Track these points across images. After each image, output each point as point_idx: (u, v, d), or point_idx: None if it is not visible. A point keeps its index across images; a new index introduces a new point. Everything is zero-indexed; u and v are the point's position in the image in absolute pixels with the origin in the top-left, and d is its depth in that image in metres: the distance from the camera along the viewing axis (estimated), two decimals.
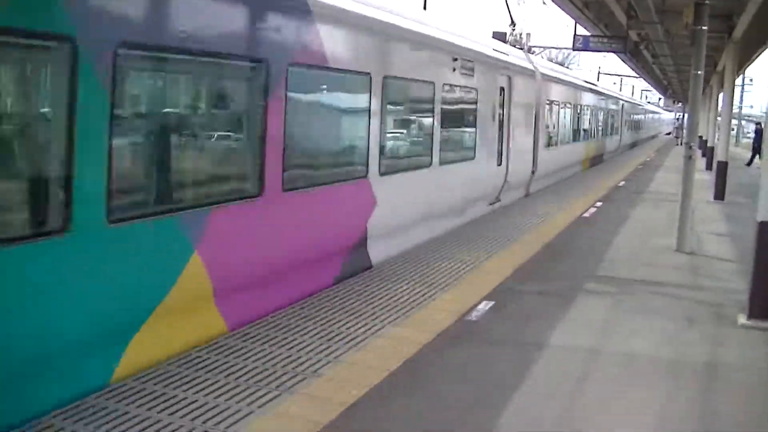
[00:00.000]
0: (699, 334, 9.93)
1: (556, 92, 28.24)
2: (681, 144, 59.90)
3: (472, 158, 17.76)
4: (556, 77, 29.09)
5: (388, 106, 13.02)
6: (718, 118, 32.66)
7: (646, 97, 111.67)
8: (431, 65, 14.91)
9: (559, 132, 29.47)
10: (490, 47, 19.72)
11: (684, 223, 15.51)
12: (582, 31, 31.84)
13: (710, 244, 16.57)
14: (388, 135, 13.25)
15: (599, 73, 79.83)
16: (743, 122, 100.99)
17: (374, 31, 12.32)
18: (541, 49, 61.70)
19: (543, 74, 25.59)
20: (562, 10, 29.15)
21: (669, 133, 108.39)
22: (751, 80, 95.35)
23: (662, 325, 10.12)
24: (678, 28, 24.78)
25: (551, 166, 27.98)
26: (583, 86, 36.53)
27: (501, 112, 20.04)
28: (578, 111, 34.17)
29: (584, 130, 36.64)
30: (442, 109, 15.19)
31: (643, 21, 26.62)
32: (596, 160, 40.69)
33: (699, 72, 16.08)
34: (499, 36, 25.37)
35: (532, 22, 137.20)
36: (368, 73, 12.07)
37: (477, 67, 17.40)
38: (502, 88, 20.03)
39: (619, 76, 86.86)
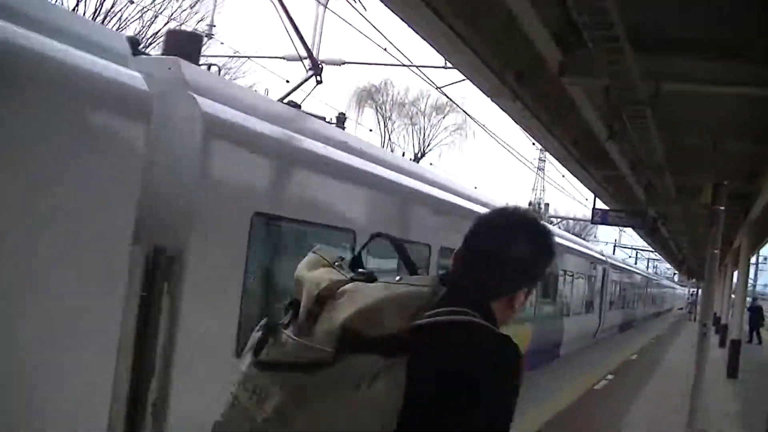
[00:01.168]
0: None
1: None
2: (694, 320, 59.86)
3: None
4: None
5: None
6: (732, 296, 32.86)
7: (655, 268, 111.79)
8: None
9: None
10: None
11: (696, 400, 15.55)
12: (601, 204, 32.32)
13: (722, 423, 16.56)
14: None
15: (615, 245, 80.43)
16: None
17: None
18: (559, 219, 62.46)
19: None
20: (582, 183, 29.69)
21: (681, 308, 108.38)
22: (765, 259, 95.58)
23: None
24: (696, 206, 25.20)
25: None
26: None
27: None
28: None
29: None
30: None
31: (661, 199, 27.05)
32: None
33: (715, 251, 16.35)
34: None
35: (552, 192, 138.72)
36: None
37: None
38: None
39: (634, 249, 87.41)
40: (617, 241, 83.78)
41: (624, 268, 46.50)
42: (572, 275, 27.08)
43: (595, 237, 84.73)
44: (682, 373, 23.34)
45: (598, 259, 34.27)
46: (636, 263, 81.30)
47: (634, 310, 52.60)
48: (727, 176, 16.52)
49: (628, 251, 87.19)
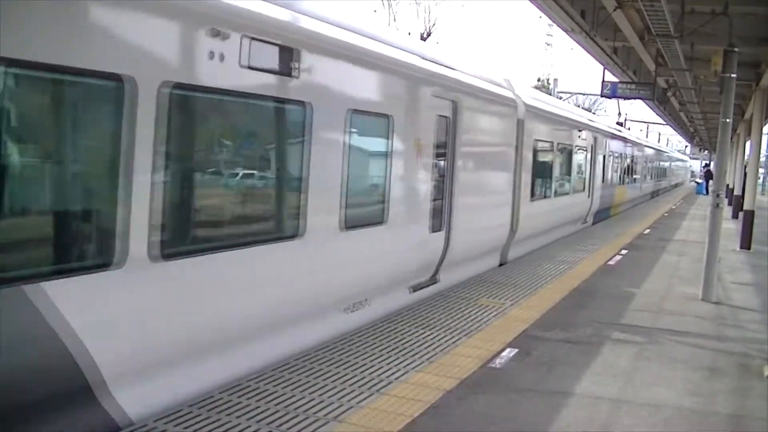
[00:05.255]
0: (724, 385, 9.83)
1: (546, 130, 22.55)
2: (707, 193, 59.67)
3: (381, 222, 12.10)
4: (547, 112, 23.05)
5: None
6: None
7: (668, 142, 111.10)
8: None
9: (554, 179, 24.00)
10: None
11: (710, 272, 15.42)
12: (610, 77, 31.83)
13: (736, 293, 16.44)
14: None
15: (625, 119, 79.81)
16: None
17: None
18: (569, 95, 61.91)
19: (529, 107, 20.08)
20: (591, 55, 29.24)
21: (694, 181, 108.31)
22: None
23: (687, 376, 10.03)
24: (707, 76, 24.77)
25: (539, 223, 22.60)
26: (587, 124, 30.34)
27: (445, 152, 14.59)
28: (579, 154, 28.18)
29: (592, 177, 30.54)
30: None
31: (671, 68, 26.64)
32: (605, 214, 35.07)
33: (727, 120, 16.02)
34: None
35: (560, 68, 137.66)
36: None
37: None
38: (444, 117, 14.29)
39: (645, 123, 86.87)
40: (626, 115, 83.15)
41: (621, 137, 40.45)
42: (547, 148, 23.06)
43: (605, 111, 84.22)
44: (696, 246, 23.21)
45: (583, 126, 29.13)
46: (647, 137, 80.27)
47: (637, 186, 47.99)
48: (737, 43, 16.03)
49: (641, 126, 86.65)
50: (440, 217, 14.39)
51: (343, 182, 10.71)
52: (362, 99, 11.36)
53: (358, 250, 11.40)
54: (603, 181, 33.15)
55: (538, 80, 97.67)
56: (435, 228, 14.13)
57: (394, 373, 9.19)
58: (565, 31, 24.81)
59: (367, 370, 9.25)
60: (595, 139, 30.75)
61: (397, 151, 12.41)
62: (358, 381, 8.83)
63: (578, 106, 52.51)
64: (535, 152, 21.07)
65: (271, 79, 9.07)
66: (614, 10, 20.65)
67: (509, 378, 9.38)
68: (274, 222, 9.69)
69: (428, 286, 14.32)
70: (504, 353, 10.37)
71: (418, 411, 8.00)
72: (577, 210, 29.05)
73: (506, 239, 19.22)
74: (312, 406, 7.90)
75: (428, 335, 11.03)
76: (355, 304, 11.60)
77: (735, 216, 35.36)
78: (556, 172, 24.19)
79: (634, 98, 31.81)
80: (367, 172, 12.28)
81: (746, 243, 25.36)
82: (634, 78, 32.83)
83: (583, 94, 68.06)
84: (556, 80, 69.19)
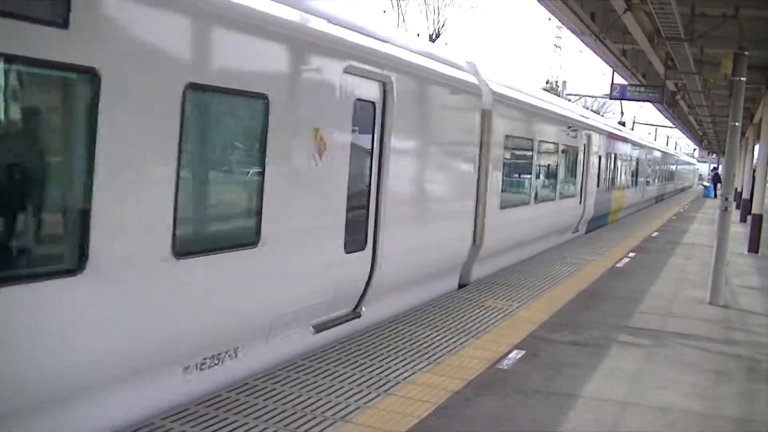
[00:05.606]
0: (732, 388, 9.82)
1: (522, 125, 19.09)
2: (715, 196, 59.60)
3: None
4: (524, 103, 19.17)
5: None
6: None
7: (676, 145, 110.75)
8: None
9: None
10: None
11: (718, 275, 15.40)
12: (619, 79, 31.84)
13: (744, 297, 16.43)
14: None
15: (634, 121, 79.76)
16: None
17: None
18: (578, 97, 61.86)
19: (498, 96, 16.47)
20: (600, 58, 29.24)
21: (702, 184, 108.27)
22: None
23: (694, 379, 10.02)
24: (716, 79, 24.77)
25: (513, 235, 18.82)
26: (581, 122, 26.62)
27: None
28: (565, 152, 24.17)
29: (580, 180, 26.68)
30: None
31: (680, 71, 26.62)
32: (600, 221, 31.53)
33: (736, 123, 16.00)
34: None
35: (569, 70, 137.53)
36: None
37: None
38: (367, 102, 11.16)
39: (654, 126, 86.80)
40: (633, 117, 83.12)
41: (620, 137, 35.96)
42: (524, 147, 19.58)
43: (613, 114, 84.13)
44: (704, 249, 23.19)
45: (574, 122, 25.17)
46: (655, 140, 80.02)
47: (638, 191, 43.70)
48: (747, 46, 16.02)
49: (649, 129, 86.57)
50: (362, 232, 11.22)
51: (174, 188, 7.29)
52: (213, 69, 7.92)
53: (206, 285, 7.98)
54: (598, 185, 29.73)
55: (547, 82, 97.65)
56: (353, 247, 10.86)
57: (401, 374, 9.20)
58: (575, 33, 24.84)
59: (374, 370, 9.26)
60: (589, 137, 27.33)
61: (279, 145, 8.93)
62: (365, 381, 8.84)
63: (587, 108, 52.32)
64: (508, 151, 17.70)
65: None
66: (624, 12, 20.67)
67: (516, 379, 9.39)
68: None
69: (344, 322, 10.98)
70: (511, 355, 10.38)
71: (425, 412, 8.00)
72: (566, 218, 25.52)
73: (467, 255, 15.65)
74: (319, 406, 7.91)
75: (435, 336, 11.04)
76: (206, 359, 8.19)
77: (743, 219, 35.25)
78: (537, 174, 20.85)
79: (643, 101, 31.79)
80: (222, 173, 8.93)
81: (754, 246, 25.34)
82: (643, 81, 32.82)
83: (592, 97, 67.99)
84: (565, 82, 69.16)
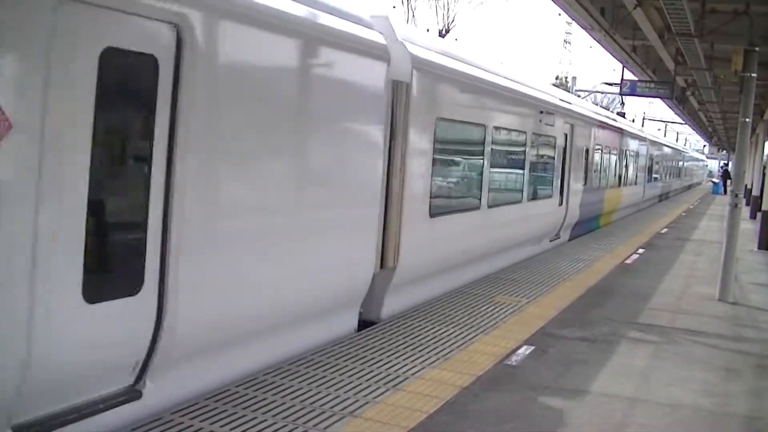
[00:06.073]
0: (741, 386, 9.80)
1: (465, 104, 14.78)
2: (725, 192, 59.49)
3: None
4: (468, 76, 14.65)
5: None
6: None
7: (686, 142, 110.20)
8: None
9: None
10: None
11: (727, 272, 15.37)
12: (629, 75, 31.75)
13: (753, 294, 16.40)
14: None
15: (644, 118, 79.63)
16: None
17: None
18: (587, 93, 61.77)
19: (423, 63, 12.27)
20: (610, 53, 29.18)
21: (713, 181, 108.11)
22: None
23: (704, 376, 10.00)
24: (726, 75, 24.67)
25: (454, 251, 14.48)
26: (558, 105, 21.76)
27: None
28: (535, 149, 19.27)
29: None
30: None
31: (691, 67, 26.54)
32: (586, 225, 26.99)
33: (747, 119, 15.97)
34: None
35: (579, 66, 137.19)
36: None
37: None
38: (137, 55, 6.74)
39: (664, 122, 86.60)
40: (644, 114, 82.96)
41: (615, 127, 31.77)
42: (471, 135, 15.08)
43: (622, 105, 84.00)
44: (714, 246, 23.14)
45: (550, 107, 20.31)
46: (665, 136, 79.65)
47: (638, 190, 39.26)
48: (758, 42, 15.98)
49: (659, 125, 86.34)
50: (134, 262, 6.88)
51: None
52: None
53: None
54: (586, 183, 25.54)
55: (557, 78, 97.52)
56: (109, 289, 6.62)
57: (410, 369, 9.19)
58: (585, 28, 24.76)
59: (383, 365, 9.26)
60: (572, 127, 22.88)
61: None
62: (374, 376, 8.84)
63: (596, 104, 52.13)
64: (442, 141, 13.25)
65: None
66: (634, 8, 20.56)
67: (525, 375, 9.38)
68: None
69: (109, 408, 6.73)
70: (520, 350, 10.37)
71: (434, 407, 8.00)
72: (540, 224, 20.85)
73: (367, 285, 11.26)
74: (328, 401, 7.92)
75: (444, 332, 11.03)
76: None
77: (753, 216, 35.16)
78: (494, 170, 16.00)
79: (653, 97, 31.68)
80: None
81: (764, 243, 25.28)
82: (653, 77, 32.72)
83: (602, 93, 67.76)
84: (574, 78, 69.06)
